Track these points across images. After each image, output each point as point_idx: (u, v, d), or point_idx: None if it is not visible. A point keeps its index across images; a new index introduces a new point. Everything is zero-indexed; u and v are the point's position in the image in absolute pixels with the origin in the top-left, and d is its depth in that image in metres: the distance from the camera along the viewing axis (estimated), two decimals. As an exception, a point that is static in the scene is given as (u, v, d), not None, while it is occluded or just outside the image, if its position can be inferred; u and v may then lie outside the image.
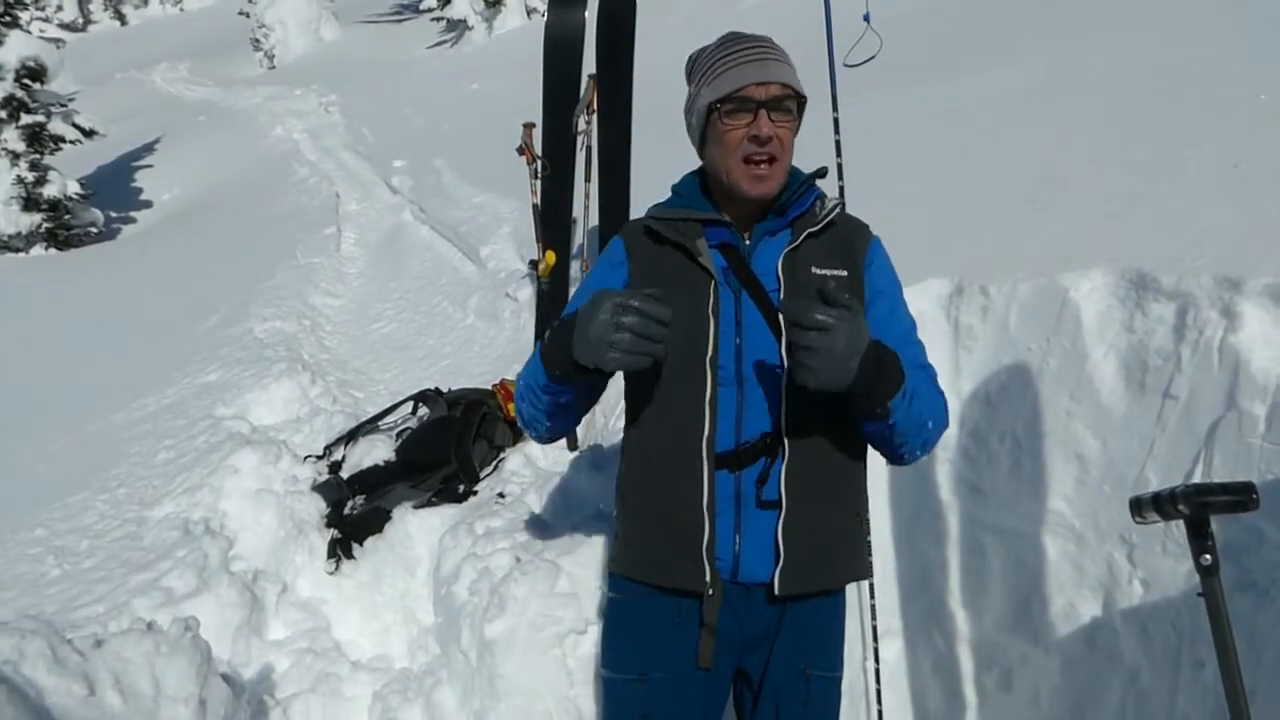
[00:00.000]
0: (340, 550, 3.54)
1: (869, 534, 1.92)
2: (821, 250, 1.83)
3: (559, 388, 1.76)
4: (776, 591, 1.78)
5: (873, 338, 1.61)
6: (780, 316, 1.69)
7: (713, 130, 1.78)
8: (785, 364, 1.72)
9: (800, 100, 1.78)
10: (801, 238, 1.81)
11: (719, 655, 1.84)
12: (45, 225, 13.73)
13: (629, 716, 1.90)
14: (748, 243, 1.84)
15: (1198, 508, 1.59)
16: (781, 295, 1.77)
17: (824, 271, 1.80)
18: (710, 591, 1.78)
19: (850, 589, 1.96)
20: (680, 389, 1.79)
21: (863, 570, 1.92)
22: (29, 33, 14.85)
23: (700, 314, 1.78)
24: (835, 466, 1.83)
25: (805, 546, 1.78)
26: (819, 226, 1.83)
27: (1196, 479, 2.40)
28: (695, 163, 1.93)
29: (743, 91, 1.72)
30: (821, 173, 1.90)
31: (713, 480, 1.77)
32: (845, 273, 1.82)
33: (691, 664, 1.83)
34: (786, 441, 1.76)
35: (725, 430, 1.77)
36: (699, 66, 1.83)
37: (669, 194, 1.93)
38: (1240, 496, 1.57)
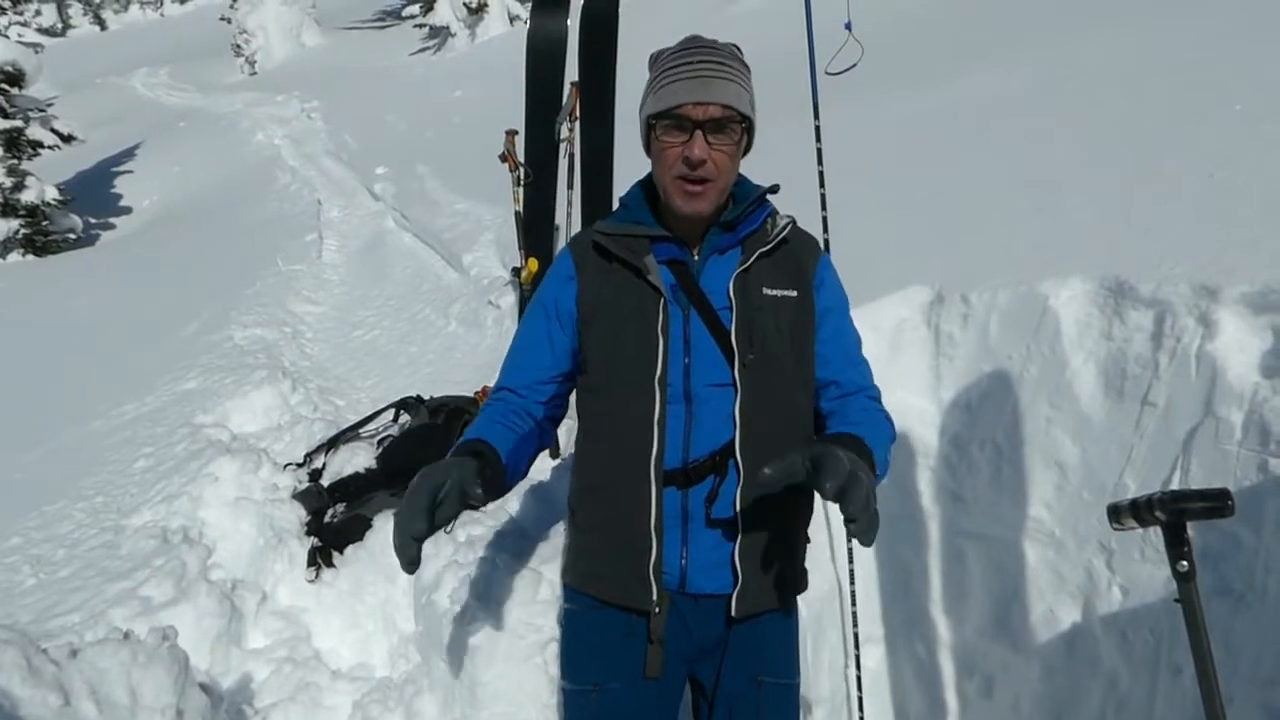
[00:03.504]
0: (320, 558, 3.52)
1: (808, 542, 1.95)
2: (772, 270, 1.81)
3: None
4: (733, 613, 1.80)
5: (843, 439, 1.65)
6: (729, 337, 1.75)
7: (653, 144, 1.76)
8: (735, 382, 1.75)
9: (744, 122, 1.73)
10: (753, 258, 1.79)
11: (670, 663, 1.86)
12: (23, 231, 13.63)
13: None
14: (696, 259, 1.82)
15: (1174, 514, 1.60)
16: (734, 316, 1.76)
17: (774, 292, 1.79)
18: (657, 609, 1.80)
19: (831, 596, 1.96)
20: (629, 407, 1.78)
21: (800, 583, 1.93)
22: (6, 37, 14.81)
23: (649, 332, 1.77)
24: (790, 486, 1.80)
25: (761, 568, 1.80)
26: (770, 245, 1.81)
27: (1174, 485, 2.42)
28: None
29: (680, 110, 1.69)
30: (773, 189, 1.88)
31: (660, 500, 1.77)
32: (795, 293, 1.81)
33: (643, 674, 1.84)
34: (741, 463, 1.75)
35: (673, 448, 1.77)
36: (653, 71, 1.78)
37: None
38: (1216, 503, 1.59)
